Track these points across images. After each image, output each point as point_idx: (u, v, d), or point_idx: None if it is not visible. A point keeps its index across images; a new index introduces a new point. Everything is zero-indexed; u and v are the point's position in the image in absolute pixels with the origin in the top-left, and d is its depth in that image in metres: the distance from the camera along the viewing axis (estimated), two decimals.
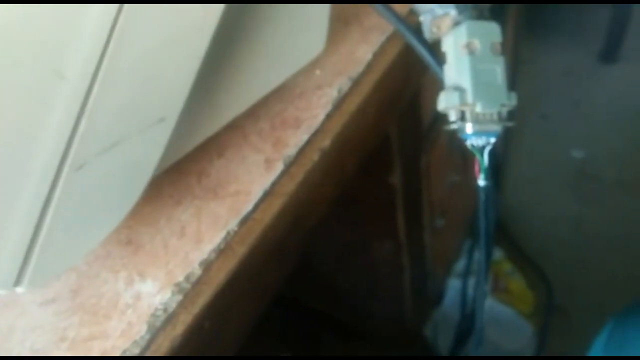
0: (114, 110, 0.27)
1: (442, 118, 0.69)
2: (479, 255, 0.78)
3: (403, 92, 0.48)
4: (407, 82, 0.47)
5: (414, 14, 0.40)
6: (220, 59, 0.33)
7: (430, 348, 0.93)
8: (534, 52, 1.48)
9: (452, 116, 0.34)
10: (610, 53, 1.45)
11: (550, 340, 0.99)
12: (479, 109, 0.33)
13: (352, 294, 0.90)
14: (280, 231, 0.35)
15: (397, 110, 0.50)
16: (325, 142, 0.37)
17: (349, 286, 0.89)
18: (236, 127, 0.38)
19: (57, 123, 0.26)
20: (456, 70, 0.34)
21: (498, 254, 1.05)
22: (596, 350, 0.61)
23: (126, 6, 0.26)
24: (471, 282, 0.92)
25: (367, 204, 0.74)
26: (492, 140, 0.34)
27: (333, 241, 0.83)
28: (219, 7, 0.29)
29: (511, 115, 0.35)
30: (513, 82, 0.99)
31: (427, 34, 0.37)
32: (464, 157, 0.82)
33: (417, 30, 0.37)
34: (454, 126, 0.34)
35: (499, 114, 0.34)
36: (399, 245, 0.77)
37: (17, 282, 0.26)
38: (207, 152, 0.37)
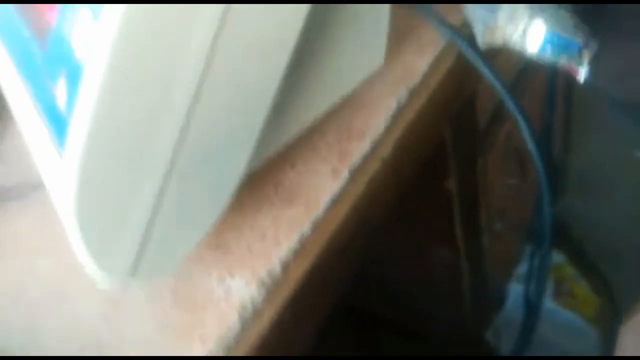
0: (215, 118, 0.30)
1: (499, 121, 0.70)
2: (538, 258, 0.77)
3: (457, 99, 0.50)
4: (461, 89, 0.49)
5: (467, 25, 0.43)
6: (294, 68, 0.33)
7: (492, 352, 0.94)
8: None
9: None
10: None
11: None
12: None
13: (412, 299, 0.92)
14: (347, 233, 0.38)
15: (451, 115, 0.52)
16: (386, 151, 0.41)
17: (409, 291, 0.91)
18: (305, 139, 0.41)
19: (168, 129, 0.29)
20: None
21: (560, 258, 1.04)
22: None
23: (233, 6, 0.26)
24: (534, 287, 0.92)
25: (424, 210, 0.76)
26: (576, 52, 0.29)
27: (393, 247, 0.86)
28: (305, 7, 0.29)
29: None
30: (572, 82, 0.98)
31: (481, 43, 0.39)
32: (521, 161, 0.82)
33: (470, 40, 0.39)
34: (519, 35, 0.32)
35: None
36: (456, 250, 0.79)
37: (132, 272, 0.31)
38: (280, 164, 0.40)
